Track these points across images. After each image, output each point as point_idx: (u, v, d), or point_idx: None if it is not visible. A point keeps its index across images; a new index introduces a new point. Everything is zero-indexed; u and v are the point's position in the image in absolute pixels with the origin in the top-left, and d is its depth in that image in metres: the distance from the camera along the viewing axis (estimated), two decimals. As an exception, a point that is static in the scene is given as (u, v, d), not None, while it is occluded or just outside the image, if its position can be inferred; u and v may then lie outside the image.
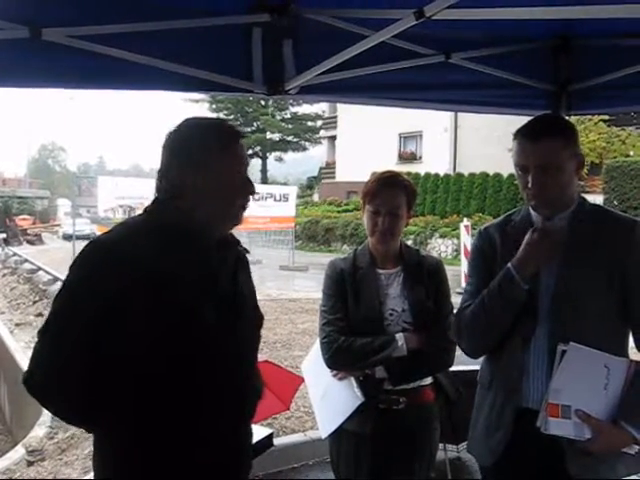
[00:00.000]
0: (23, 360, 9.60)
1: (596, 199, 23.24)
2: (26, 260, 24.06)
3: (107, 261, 1.81)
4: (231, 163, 1.97)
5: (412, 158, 36.45)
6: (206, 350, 1.88)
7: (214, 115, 48.92)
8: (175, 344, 1.82)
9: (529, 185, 2.21)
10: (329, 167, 44.72)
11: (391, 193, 2.82)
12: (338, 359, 2.82)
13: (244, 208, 2.05)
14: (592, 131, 25.41)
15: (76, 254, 1.93)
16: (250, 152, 51.23)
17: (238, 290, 2.05)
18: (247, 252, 2.23)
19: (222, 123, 2.07)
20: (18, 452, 6.35)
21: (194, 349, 1.85)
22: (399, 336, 2.75)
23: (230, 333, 1.95)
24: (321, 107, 50.33)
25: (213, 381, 1.91)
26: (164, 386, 1.84)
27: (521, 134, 2.26)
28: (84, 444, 6.07)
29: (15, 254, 27.20)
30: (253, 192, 2.06)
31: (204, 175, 1.92)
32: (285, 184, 46.54)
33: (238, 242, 2.18)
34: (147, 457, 1.88)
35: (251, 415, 2.14)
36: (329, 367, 2.90)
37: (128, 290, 1.78)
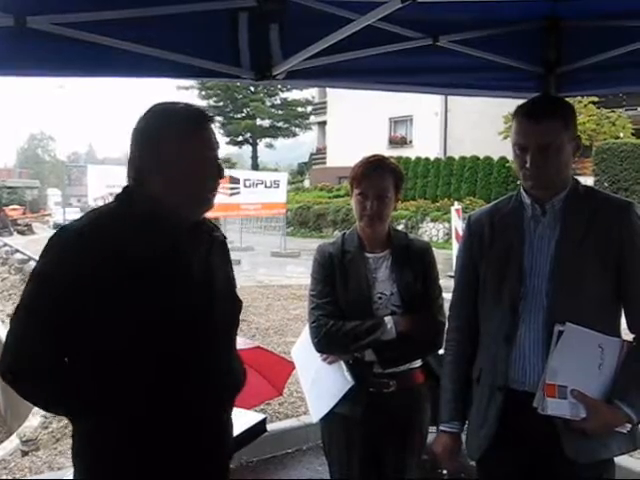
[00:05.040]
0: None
1: (586, 181, 23.26)
2: (17, 250, 23.91)
3: (73, 246, 1.84)
4: (196, 147, 1.94)
5: (402, 142, 36.42)
6: (179, 334, 1.87)
7: (204, 102, 48.67)
8: (147, 330, 1.83)
9: (527, 165, 2.21)
10: (320, 153, 44.65)
11: (378, 176, 2.82)
12: (327, 343, 2.83)
13: (213, 191, 2.02)
14: (582, 113, 25.37)
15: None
16: (240, 139, 51.15)
17: (212, 274, 2.04)
18: (224, 237, 2.22)
19: (189, 107, 2.01)
20: (13, 442, 6.34)
21: (166, 335, 1.85)
22: (388, 319, 2.76)
23: (204, 318, 1.95)
24: (311, 93, 50.18)
25: (186, 363, 1.91)
26: (136, 369, 1.84)
27: (522, 113, 2.24)
28: (78, 433, 6.06)
29: (6, 244, 27.03)
30: (221, 175, 2.03)
31: (169, 160, 1.90)
32: (276, 170, 46.37)
33: (213, 228, 2.16)
34: (117, 444, 1.88)
35: (229, 401, 2.13)
36: (318, 351, 2.91)
37: (94, 275, 1.79)
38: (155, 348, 1.84)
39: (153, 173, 1.92)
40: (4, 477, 5.22)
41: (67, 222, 2.08)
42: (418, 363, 2.92)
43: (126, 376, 1.84)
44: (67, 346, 1.85)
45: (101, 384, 1.85)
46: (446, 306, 2.70)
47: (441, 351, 2.83)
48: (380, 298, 2.83)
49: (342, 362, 2.89)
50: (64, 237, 1.88)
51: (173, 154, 1.90)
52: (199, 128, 1.97)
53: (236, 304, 2.20)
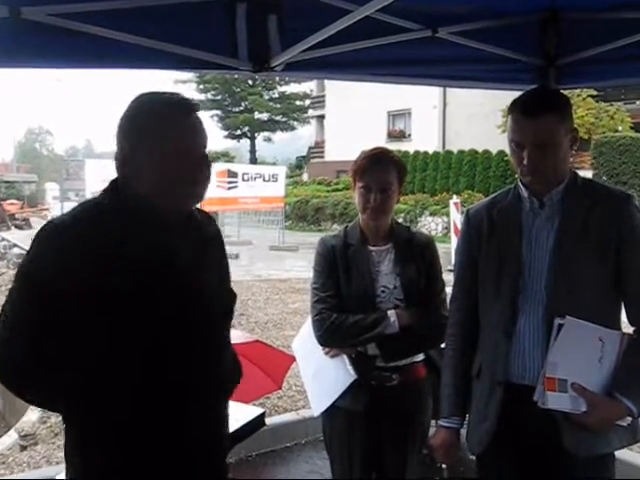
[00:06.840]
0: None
1: (585, 175, 23.18)
2: (15, 245, 23.83)
3: (51, 242, 1.79)
4: (175, 135, 1.82)
5: (401, 136, 36.43)
6: (163, 332, 1.81)
7: (202, 96, 48.63)
8: (131, 330, 1.77)
9: (524, 162, 2.19)
10: (318, 146, 44.65)
11: (382, 169, 2.80)
12: (330, 336, 2.82)
13: (200, 183, 1.89)
14: (580, 107, 25.37)
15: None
16: (238, 132, 51.22)
17: (204, 270, 1.94)
18: (217, 229, 2.13)
19: (172, 96, 1.91)
20: (11, 437, 6.31)
21: (150, 332, 1.79)
22: (391, 313, 2.75)
23: (190, 314, 1.86)
24: (309, 86, 50.12)
25: (174, 362, 1.85)
26: (120, 369, 1.79)
27: (518, 109, 2.21)
28: (77, 427, 6.03)
29: (3, 239, 26.96)
30: (208, 166, 1.90)
31: (145, 148, 1.82)
32: (274, 164, 46.45)
33: (205, 220, 2.07)
34: (105, 444, 1.83)
35: (224, 400, 2.08)
36: (321, 345, 2.90)
37: (72, 272, 1.73)
38: (140, 348, 1.79)
39: (137, 165, 1.83)
40: (2, 472, 5.21)
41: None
42: (420, 357, 2.92)
43: (110, 377, 1.79)
44: (53, 347, 1.77)
45: (85, 385, 1.80)
46: (447, 300, 2.69)
47: (444, 345, 2.83)
48: (383, 292, 2.82)
49: (344, 356, 2.88)
50: (44, 232, 1.82)
51: (148, 142, 1.82)
52: (178, 116, 1.85)
53: (228, 300, 2.09)
